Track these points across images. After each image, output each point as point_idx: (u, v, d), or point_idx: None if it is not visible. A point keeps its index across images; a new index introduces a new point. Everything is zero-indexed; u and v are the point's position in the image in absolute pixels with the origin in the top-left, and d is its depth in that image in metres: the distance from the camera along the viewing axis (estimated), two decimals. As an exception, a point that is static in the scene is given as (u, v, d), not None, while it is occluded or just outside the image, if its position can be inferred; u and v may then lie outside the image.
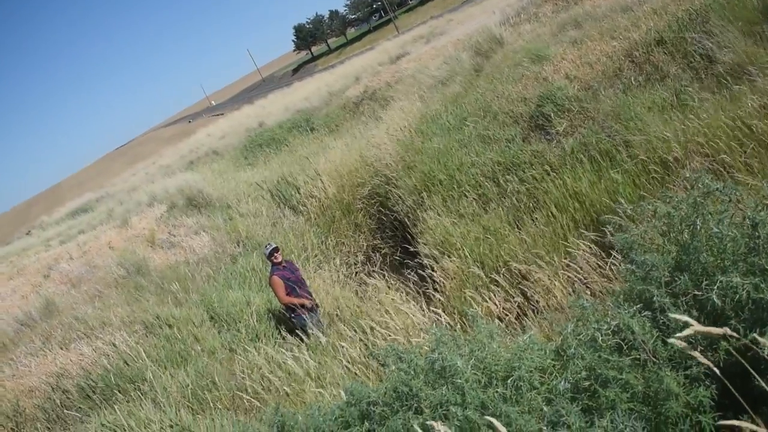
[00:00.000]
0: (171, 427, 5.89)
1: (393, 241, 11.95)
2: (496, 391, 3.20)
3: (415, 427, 3.17)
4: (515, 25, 17.62)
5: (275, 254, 8.74)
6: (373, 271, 9.93)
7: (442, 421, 2.96)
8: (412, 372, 3.53)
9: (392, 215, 11.69)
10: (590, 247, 6.85)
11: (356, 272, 10.85)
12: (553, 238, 7.59)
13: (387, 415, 3.50)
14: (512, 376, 3.23)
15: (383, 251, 11.71)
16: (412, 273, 9.48)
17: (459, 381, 3.25)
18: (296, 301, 8.43)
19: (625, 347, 3.02)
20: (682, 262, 3.26)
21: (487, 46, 16.16)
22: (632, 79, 9.42)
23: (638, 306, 3.16)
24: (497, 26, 17.45)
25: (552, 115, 9.74)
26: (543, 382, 3.26)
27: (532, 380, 3.22)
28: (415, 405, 3.39)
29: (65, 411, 7.78)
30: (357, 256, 11.84)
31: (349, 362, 6.88)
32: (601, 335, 3.07)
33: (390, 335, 7.05)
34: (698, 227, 3.22)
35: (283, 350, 7.51)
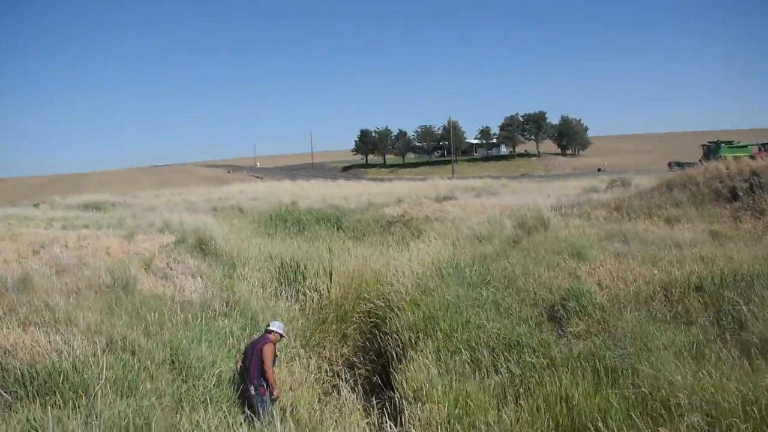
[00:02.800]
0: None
1: (372, 366, 11.66)
2: None
3: None
4: (566, 215, 17.93)
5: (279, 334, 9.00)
6: (344, 386, 9.62)
7: None
8: None
9: (383, 341, 11.44)
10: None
11: (326, 380, 10.53)
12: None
13: None
14: None
15: (360, 371, 11.40)
16: (379, 406, 9.17)
17: None
18: (275, 379, 8.30)
19: None
20: None
21: (532, 223, 16.42)
22: (660, 312, 9.40)
23: None
24: (548, 209, 17.76)
25: (572, 313, 9.68)
26: None
27: None
28: None
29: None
30: (333, 365, 11.53)
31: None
32: None
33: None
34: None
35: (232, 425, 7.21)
